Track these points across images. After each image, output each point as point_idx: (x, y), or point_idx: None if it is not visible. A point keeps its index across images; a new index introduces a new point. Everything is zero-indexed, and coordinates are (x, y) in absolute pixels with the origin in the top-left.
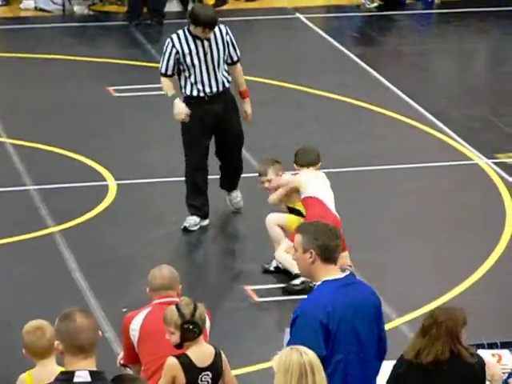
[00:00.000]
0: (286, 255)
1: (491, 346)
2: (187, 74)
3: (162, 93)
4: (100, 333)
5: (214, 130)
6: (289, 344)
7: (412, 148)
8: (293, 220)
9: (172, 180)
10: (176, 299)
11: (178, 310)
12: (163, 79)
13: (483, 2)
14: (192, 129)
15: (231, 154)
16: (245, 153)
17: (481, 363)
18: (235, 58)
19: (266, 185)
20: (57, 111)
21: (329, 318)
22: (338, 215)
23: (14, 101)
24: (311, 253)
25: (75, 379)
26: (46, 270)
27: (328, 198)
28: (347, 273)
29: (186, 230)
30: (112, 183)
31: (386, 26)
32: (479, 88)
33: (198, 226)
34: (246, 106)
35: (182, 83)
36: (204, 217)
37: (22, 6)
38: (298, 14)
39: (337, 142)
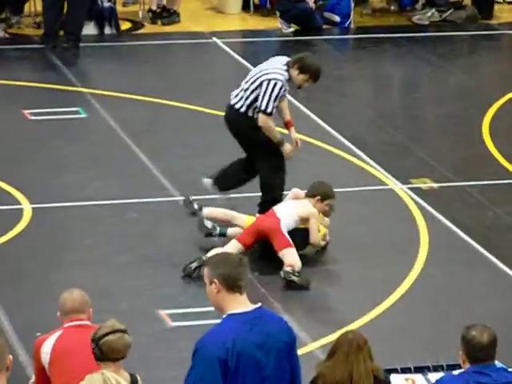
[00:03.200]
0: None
1: (404, 370)
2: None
3: (77, 116)
4: (11, 356)
5: None
6: (187, 376)
7: (326, 173)
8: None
9: (86, 204)
10: (87, 322)
11: (99, 327)
12: (270, 120)
13: (397, 28)
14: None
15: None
16: (160, 177)
17: None
18: None
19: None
20: None
21: (227, 354)
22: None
23: None
24: (215, 283)
25: None
26: None
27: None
28: (257, 305)
29: None
30: (27, 207)
31: (302, 51)
32: (395, 113)
33: None
34: None
35: (250, 114)
36: None
37: None
38: (214, 39)
39: None
